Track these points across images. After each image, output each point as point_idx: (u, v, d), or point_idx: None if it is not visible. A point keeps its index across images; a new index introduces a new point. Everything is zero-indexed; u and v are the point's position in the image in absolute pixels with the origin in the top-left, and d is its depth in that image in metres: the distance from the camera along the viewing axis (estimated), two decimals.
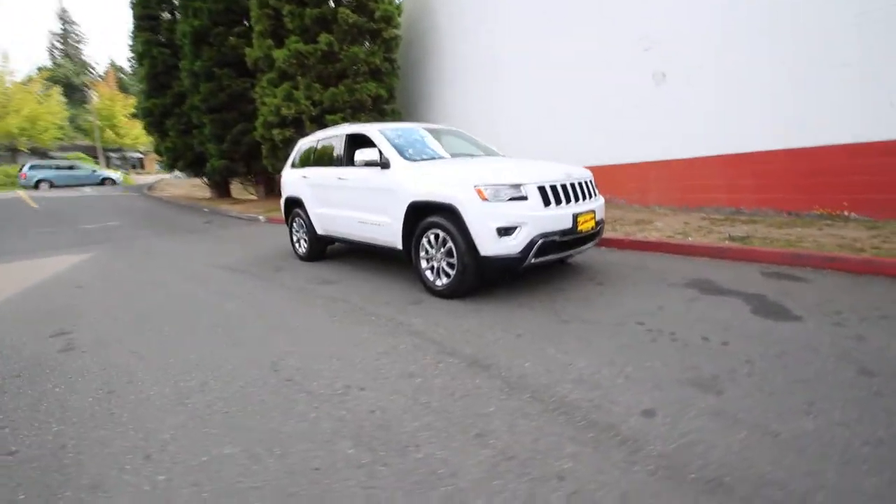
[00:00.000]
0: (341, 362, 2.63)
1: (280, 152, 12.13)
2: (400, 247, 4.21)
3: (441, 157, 4.41)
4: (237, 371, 2.59)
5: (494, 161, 4.25)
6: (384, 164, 4.27)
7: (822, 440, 1.70)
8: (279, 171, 12.81)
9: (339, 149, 5.12)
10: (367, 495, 1.52)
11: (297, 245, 6.04)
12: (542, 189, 3.55)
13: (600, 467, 1.61)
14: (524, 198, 3.47)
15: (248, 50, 12.03)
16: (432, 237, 3.82)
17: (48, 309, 4.08)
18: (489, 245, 3.43)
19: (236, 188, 18.29)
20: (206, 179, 16.61)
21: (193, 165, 15.61)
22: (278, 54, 11.07)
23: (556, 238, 3.56)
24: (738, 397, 2.02)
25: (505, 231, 3.41)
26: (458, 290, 3.69)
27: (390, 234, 4.28)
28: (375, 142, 4.48)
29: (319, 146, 5.57)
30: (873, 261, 3.67)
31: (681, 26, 6.56)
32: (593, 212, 3.88)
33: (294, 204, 5.92)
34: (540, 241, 3.46)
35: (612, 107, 7.71)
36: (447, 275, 3.76)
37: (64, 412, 2.19)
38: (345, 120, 11.28)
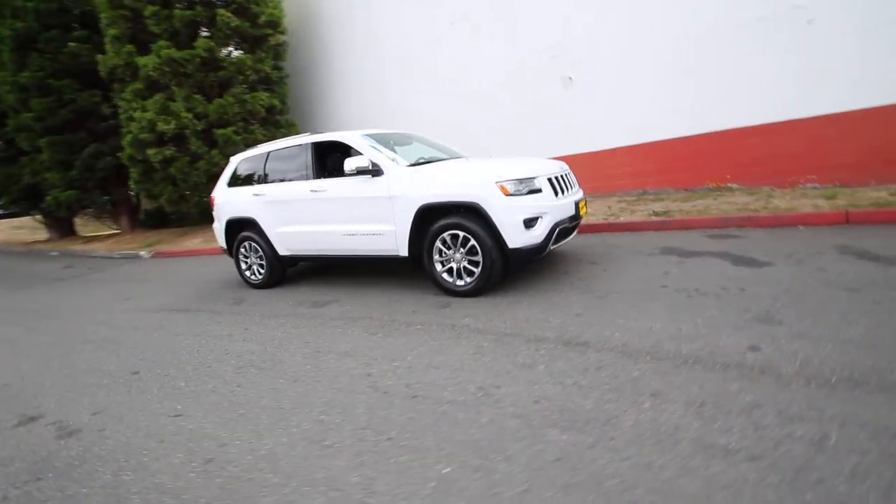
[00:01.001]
0: (444, 370, 2.54)
1: (157, 175, 10.51)
2: (405, 253, 4.12)
3: (432, 160, 4.41)
4: (341, 401, 2.33)
5: (490, 160, 4.41)
6: (375, 171, 4.12)
7: (876, 338, 2.26)
8: (158, 196, 11.07)
9: (303, 160, 4.75)
10: (630, 466, 1.59)
11: (247, 272, 5.39)
12: (550, 181, 3.84)
13: (771, 392, 1.92)
14: (539, 190, 3.72)
15: (100, 57, 10.14)
16: (448, 238, 3.83)
17: None
18: (517, 237, 3.59)
19: (82, 224, 15.14)
20: (40, 217, 13.42)
21: (23, 201, 12.50)
22: (146, 61, 9.59)
23: (567, 224, 3.88)
24: (797, 322, 2.55)
25: (529, 222, 3.61)
26: (484, 287, 3.77)
27: (391, 242, 4.15)
28: (360, 149, 4.29)
29: (271, 160, 5.07)
30: (780, 216, 4.78)
31: (585, 35, 7.51)
32: (584, 199, 4.32)
33: (242, 226, 5.28)
34: (557, 229, 3.75)
35: (525, 110, 8.45)
36: (470, 273, 3.81)
37: (178, 499, 1.74)
38: (237, 134, 10.30)
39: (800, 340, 2.34)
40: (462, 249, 3.80)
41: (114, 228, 13.25)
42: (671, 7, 6.64)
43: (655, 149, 7.17)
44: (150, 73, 9.55)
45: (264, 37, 10.82)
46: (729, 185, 6.48)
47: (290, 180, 4.85)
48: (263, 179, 5.08)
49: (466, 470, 1.67)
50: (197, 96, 10.16)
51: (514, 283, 3.98)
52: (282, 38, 11.19)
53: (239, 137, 10.32)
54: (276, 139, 11.23)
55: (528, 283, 3.95)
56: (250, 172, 5.26)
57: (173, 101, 9.86)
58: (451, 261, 3.89)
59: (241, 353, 3.27)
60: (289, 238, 4.89)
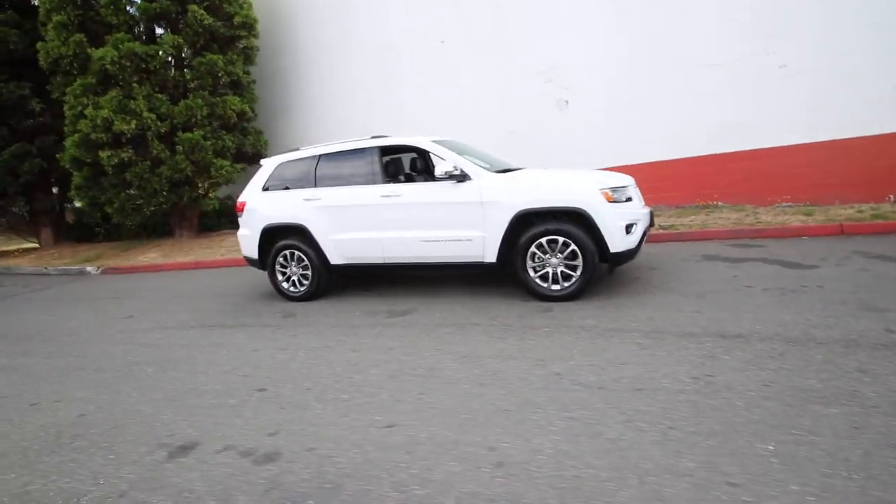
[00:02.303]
0: (632, 366, 2.59)
1: (108, 180, 9.25)
2: (492, 259, 4.10)
3: (513, 169, 4.47)
4: (566, 399, 2.28)
5: (568, 170, 4.61)
6: (462, 176, 4.10)
7: None
8: (105, 204, 9.68)
9: (368, 164, 4.54)
10: None
11: (285, 284, 4.97)
12: (635, 190, 4.12)
13: None
14: (630, 199, 3.97)
15: (42, 45, 8.79)
16: (545, 243, 3.90)
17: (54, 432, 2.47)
18: (619, 242, 3.77)
19: None
20: None
21: None
22: (102, 53, 8.52)
23: (648, 230, 4.17)
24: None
25: (629, 228, 3.82)
26: (580, 291, 3.89)
27: (478, 248, 4.12)
28: (441, 155, 4.24)
29: (324, 163, 4.77)
30: (785, 228, 5.54)
31: (579, 60, 8.11)
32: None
33: (284, 234, 4.87)
34: (645, 235, 4.01)
35: (517, 128, 8.85)
36: (566, 278, 3.91)
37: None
38: (206, 139, 9.48)
39: None
40: (560, 255, 3.89)
41: (31, 241, 11.26)
42: (659, 40, 7.45)
43: (646, 169, 7.86)
44: (108, 66, 8.47)
45: (236, 38, 10.17)
46: (717, 202, 7.34)
47: (352, 184, 4.60)
48: (314, 183, 4.77)
49: (788, 445, 1.75)
50: (160, 96, 9.21)
51: (597, 290, 4.13)
52: (255, 41, 10.60)
53: (208, 143, 9.51)
54: (245, 147, 10.54)
55: (612, 289, 4.14)
56: (295, 176, 4.90)
57: (133, 98, 8.81)
58: (546, 266, 3.96)
59: (371, 362, 3.02)
60: (349, 245, 4.61)
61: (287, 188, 4.93)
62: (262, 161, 5.25)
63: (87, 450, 2.26)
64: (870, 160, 6.30)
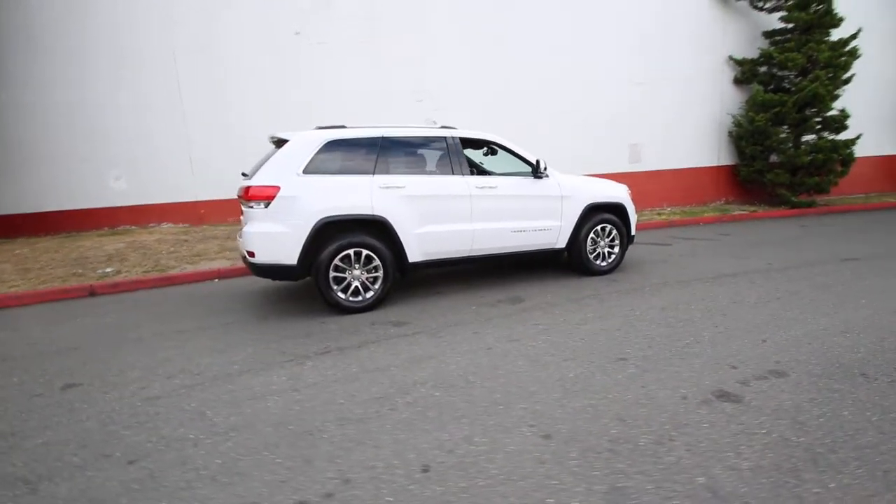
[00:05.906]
0: (755, 290, 4.14)
1: None
2: (562, 245, 4.90)
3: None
4: (791, 306, 3.57)
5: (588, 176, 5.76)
6: (542, 173, 4.68)
7: (809, 248, 5.78)
8: None
9: (453, 154, 4.39)
10: None
11: (341, 294, 3.99)
12: None
13: (806, 273, 4.92)
14: None
15: None
16: (599, 230, 5.00)
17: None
18: (633, 228, 5.31)
19: None
20: None
21: None
22: None
23: None
24: (756, 254, 5.76)
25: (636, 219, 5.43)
26: (618, 265, 5.20)
27: (554, 236, 4.81)
28: (521, 153, 4.68)
29: (391, 147, 4.21)
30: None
31: (451, 85, 9.26)
32: None
33: (353, 228, 3.93)
34: None
35: None
36: (610, 255, 5.13)
37: None
38: None
39: (777, 256, 5.53)
40: (607, 239, 5.09)
41: None
42: (520, 91, 9.58)
43: None
44: None
45: None
46: None
47: (430, 173, 4.30)
48: (387, 169, 4.10)
49: (844, 286, 3.69)
50: None
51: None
52: None
53: None
54: None
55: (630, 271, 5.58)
56: (353, 159, 4.04)
57: None
58: (597, 248, 5.05)
59: (639, 323, 3.38)
60: (433, 239, 4.25)
61: (340, 172, 3.98)
62: (290, 135, 3.95)
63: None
64: None
